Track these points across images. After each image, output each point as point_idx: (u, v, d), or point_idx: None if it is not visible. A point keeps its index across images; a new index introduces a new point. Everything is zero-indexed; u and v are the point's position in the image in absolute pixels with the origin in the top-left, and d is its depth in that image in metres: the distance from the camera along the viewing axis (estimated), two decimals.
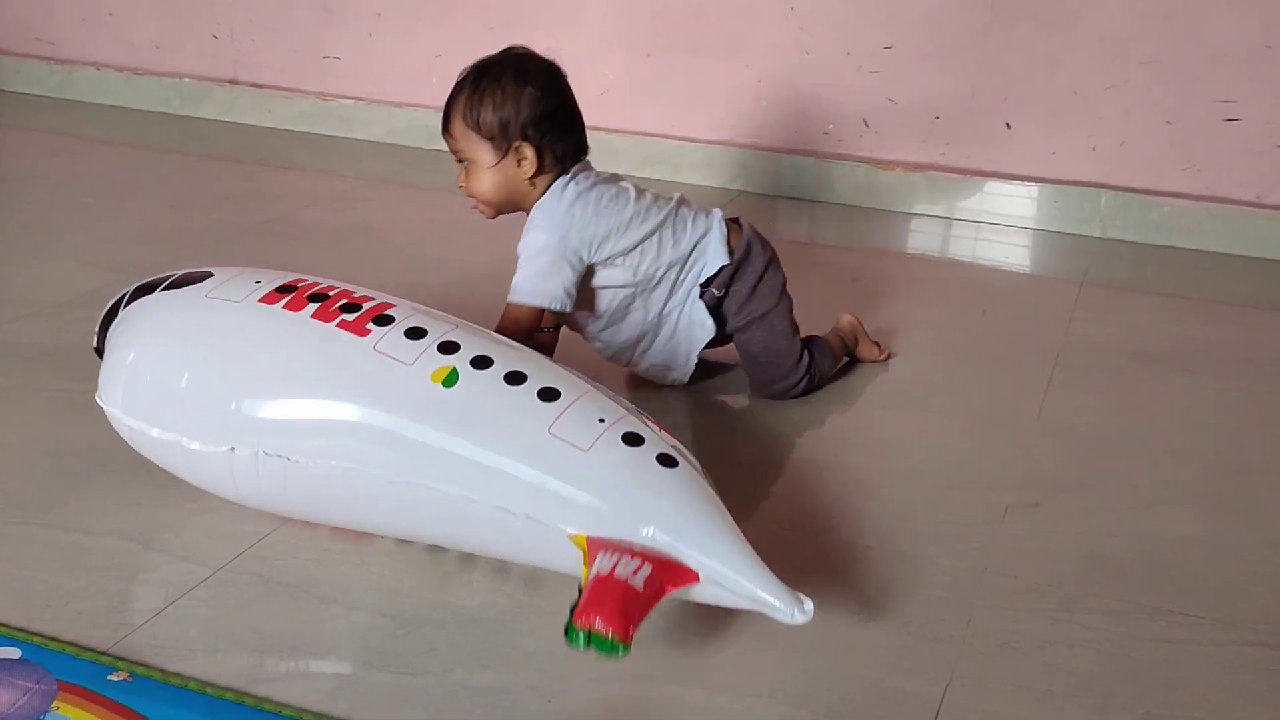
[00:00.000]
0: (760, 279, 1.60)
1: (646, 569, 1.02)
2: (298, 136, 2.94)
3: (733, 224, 1.63)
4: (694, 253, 1.58)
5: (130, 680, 1.02)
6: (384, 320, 1.21)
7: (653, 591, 1.01)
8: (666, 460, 1.10)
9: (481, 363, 1.16)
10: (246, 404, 1.18)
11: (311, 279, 1.29)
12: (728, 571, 1.03)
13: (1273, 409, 1.70)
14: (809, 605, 1.02)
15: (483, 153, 1.52)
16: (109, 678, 1.02)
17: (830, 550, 1.28)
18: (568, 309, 1.52)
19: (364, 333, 1.19)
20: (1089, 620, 1.18)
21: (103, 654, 1.06)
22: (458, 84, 1.54)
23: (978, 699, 1.06)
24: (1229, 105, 2.31)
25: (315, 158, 2.78)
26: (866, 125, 2.54)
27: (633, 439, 1.11)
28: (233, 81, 3.02)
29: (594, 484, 1.08)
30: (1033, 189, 2.44)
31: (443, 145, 1.57)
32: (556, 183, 1.53)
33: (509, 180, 1.52)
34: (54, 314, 1.79)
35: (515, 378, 1.15)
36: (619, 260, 1.54)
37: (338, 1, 2.86)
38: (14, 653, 1.04)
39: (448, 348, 1.17)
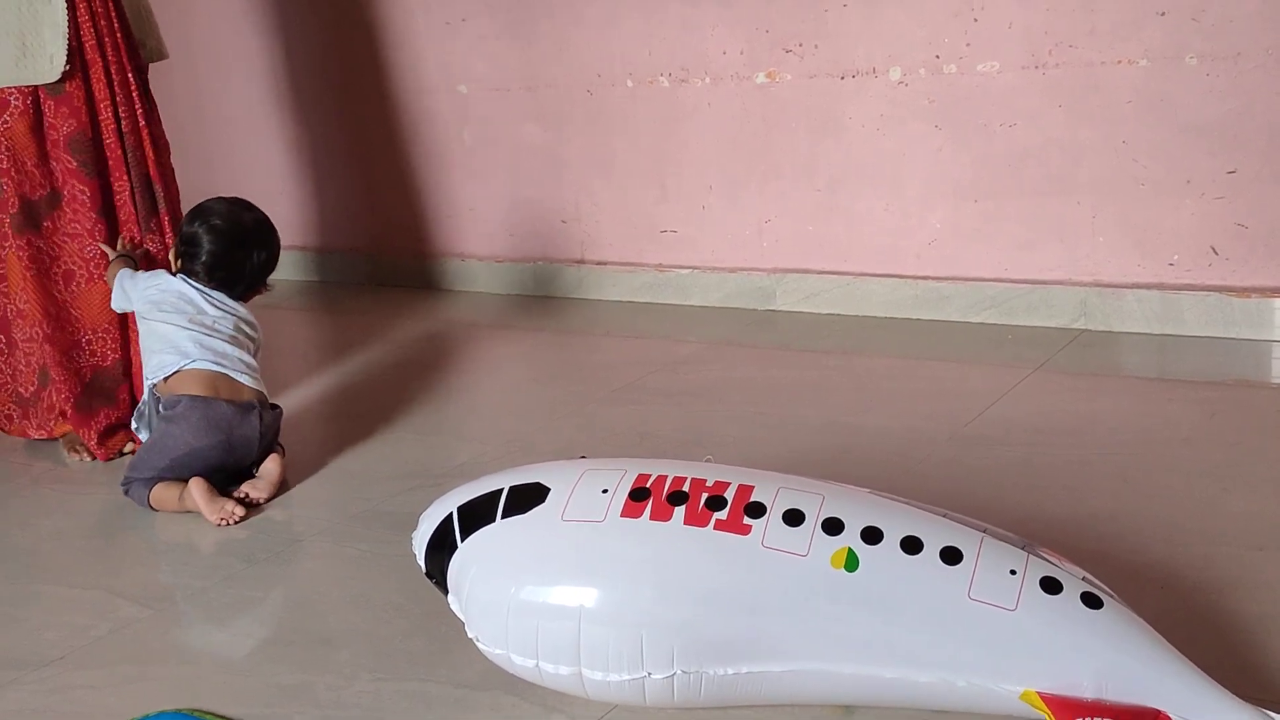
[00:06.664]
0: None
1: None
2: (640, 307, 3.12)
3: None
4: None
5: None
6: (756, 510, 1.20)
7: None
8: (1091, 601, 1.11)
9: (872, 536, 1.17)
10: (655, 631, 1.19)
11: (652, 467, 1.28)
12: (1192, 706, 1.05)
13: None
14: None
15: None
16: None
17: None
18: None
19: (744, 530, 1.19)
20: None
21: None
22: None
23: None
24: None
25: (657, 326, 2.94)
26: (1215, 252, 2.43)
27: (1051, 585, 1.12)
28: (580, 261, 3.26)
29: (1030, 642, 1.10)
30: None
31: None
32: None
33: None
34: (434, 484, 1.97)
35: (911, 545, 1.16)
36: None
37: (673, 180, 3.05)
38: None
39: (832, 526, 1.18)
